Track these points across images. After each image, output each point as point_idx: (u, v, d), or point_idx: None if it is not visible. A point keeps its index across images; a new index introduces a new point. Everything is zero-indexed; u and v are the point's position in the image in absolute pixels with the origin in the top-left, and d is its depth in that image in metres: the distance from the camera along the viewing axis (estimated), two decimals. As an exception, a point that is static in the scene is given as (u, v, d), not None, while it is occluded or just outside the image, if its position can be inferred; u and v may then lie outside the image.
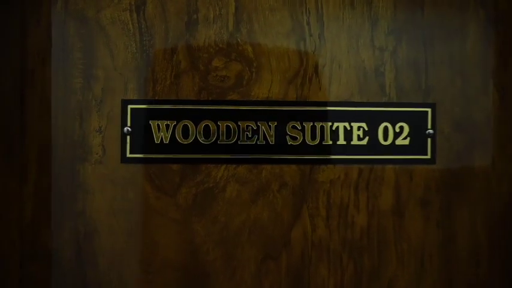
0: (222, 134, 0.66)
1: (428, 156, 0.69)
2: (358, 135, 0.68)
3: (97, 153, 0.66)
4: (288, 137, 0.67)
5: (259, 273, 0.67)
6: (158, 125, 0.66)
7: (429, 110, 0.68)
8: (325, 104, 0.68)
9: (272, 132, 0.67)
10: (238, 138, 0.67)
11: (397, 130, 0.68)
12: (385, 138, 0.68)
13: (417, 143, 0.68)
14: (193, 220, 0.66)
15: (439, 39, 0.69)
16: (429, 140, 0.69)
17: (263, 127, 0.67)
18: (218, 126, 0.66)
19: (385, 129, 0.68)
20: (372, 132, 0.68)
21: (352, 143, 0.68)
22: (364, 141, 0.68)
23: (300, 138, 0.67)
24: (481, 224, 0.69)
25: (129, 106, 0.66)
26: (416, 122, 0.68)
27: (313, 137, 0.67)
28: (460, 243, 0.69)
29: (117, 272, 0.66)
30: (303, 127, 0.67)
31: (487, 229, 0.69)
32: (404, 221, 0.68)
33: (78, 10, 0.66)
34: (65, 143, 0.66)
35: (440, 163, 0.69)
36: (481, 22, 0.69)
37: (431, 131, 0.68)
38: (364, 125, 0.68)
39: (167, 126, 0.66)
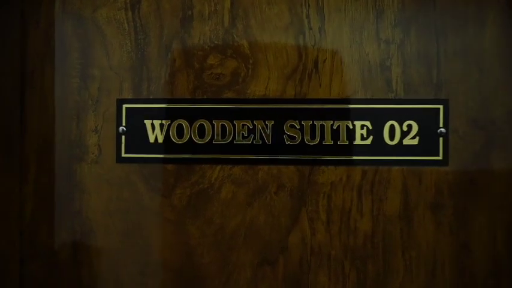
0: (217, 134, 0.64)
1: (440, 157, 0.63)
2: (362, 135, 0.63)
3: (93, 153, 0.66)
4: (285, 137, 0.64)
5: (255, 279, 0.64)
6: (153, 124, 0.65)
7: (441, 106, 0.63)
8: (326, 101, 0.64)
9: (269, 132, 0.64)
10: (234, 137, 0.64)
11: (405, 129, 0.63)
12: (392, 137, 0.63)
13: (427, 142, 0.63)
14: (188, 222, 0.65)
15: (453, 29, 0.63)
16: (441, 139, 0.63)
17: (259, 126, 0.64)
18: (213, 126, 0.64)
19: (392, 128, 0.63)
20: (376, 132, 0.63)
21: (354, 142, 0.63)
22: (368, 141, 0.63)
23: (299, 138, 0.64)
24: (501, 231, 0.62)
25: (124, 105, 0.65)
26: (427, 120, 0.63)
27: (313, 137, 0.64)
28: (476, 252, 0.63)
29: (113, 272, 0.66)
30: (302, 126, 0.64)
31: (506, 237, 0.62)
32: (412, 227, 0.63)
33: (75, 10, 0.67)
34: (63, 142, 0.66)
35: (454, 165, 0.63)
36: (501, 9, 0.63)
37: (443, 130, 0.63)
38: (368, 123, 0.63)
39: (161, 125, 0.65)
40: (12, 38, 0.66)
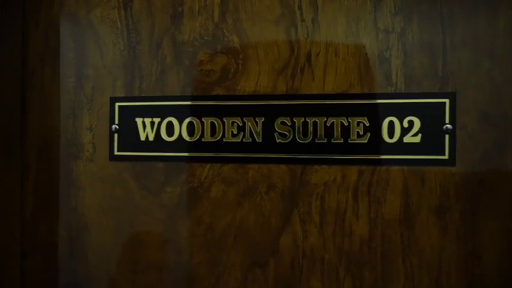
0: (207, 131, 0.63)
1: (446, 157, 0.58)
2: (358, 132, 0.59)
3: (88, 151, 0.67)
4: (276, 134, 0.61)
5: (245, 281, 0.62)
6: (143, 122, 0.65)
7: (447, 100, 0.57)
8: (319, 96, 0.60)
9: (259, 129, 0.61)
10: (223, 135, 0.62)
11: (406, 125, 0.58)
12: (391, 135, 0.59)
13: (431, 140, 0.58)
14: (178, 221, 0.64)
15: (461, 15, 0.57)
16: (447, 136, 0.58)
17: (249, 123, 0.62)
18: (202, 123, 0.63)
19: (391, 124, 0.59)
20: (374, 128, 0.59)
21: (350, 140, 0.59)
22: (365, 139, 0.59)
23: (290, 135, 0.61)
24: (515, 239, 0.56)
25: (117, 104, 0.66)
26: (430, 116, 0.58)
27: (305, 134, 0.60)
28: (486, 260, 0.57)
29: (107, 269, 0.66)
30: (293, 123, 0.61)
31: (521, 246, 0.56)
32: (414, 232, 0.58)
33: (72, 11, 0.68)
34: (60, 141, 0.68)
35: (462, 165, 0.57)
36: (516, -9, 0.56)
37: (449, 126, 0.57)
38: (364, 120, 0.59)
39: (152, 123, 0.64)
40: (13, 39, 0.68)
